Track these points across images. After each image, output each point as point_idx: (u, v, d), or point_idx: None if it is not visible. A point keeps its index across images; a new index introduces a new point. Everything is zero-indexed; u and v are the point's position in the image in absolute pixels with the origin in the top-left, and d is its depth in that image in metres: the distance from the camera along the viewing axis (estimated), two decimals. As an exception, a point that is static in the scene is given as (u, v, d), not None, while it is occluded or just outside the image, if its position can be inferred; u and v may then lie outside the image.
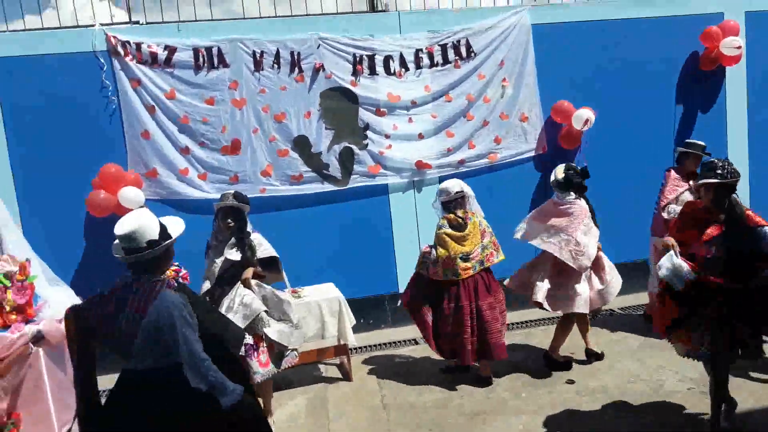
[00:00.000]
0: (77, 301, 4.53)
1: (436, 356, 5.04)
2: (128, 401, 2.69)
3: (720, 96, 6.85)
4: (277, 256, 4.46)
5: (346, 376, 5.21)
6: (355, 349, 5.76)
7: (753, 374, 4.55)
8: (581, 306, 4.81)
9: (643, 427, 4.02)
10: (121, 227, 2.72)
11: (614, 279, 4.97)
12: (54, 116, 5.55)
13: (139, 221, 2.74)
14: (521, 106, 6.52)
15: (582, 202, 4.87)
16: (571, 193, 4.86)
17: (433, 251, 4.80)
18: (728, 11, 6.71)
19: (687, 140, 5.76)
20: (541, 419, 4.23)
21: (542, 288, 4.87)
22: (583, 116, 6.18)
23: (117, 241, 2.77)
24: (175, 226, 2.89)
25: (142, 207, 5.35)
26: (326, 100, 6.11)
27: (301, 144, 6.08)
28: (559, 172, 4.90)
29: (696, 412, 4.09)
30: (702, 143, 5.55)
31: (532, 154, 6.61)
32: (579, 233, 4.74)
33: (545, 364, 5.09)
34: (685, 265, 3.46)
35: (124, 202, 5.33)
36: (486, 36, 6.37)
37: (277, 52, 5.95)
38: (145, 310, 2.63)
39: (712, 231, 3.46)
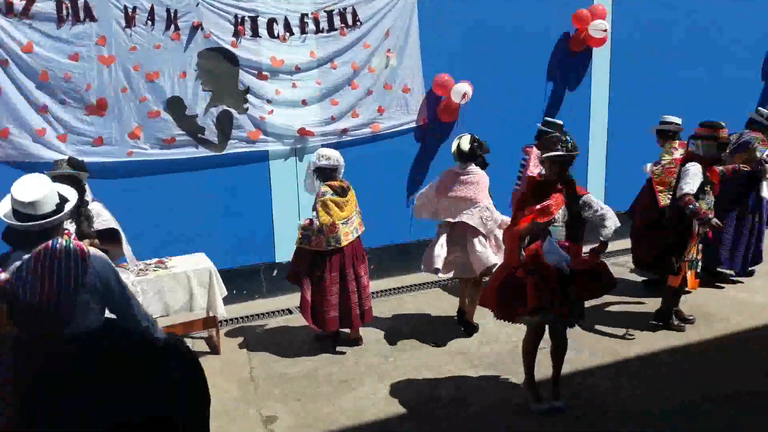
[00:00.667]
0: None
1: (309, 325, 5.06)
2: (65, 369, 2.65)
3: (586, 75, 7.27)
4: (118, 228, 4.17)
5: (215, 350, 5.11)
6: (227, 320, 5.67)
7: (599, 327, 5.01)
8: (480, 266, 4.98)
9: (498, 386, 4.30)
10: (29, 193, 2.60)
11: None
12: None
13: (47, 186, 2.68)
14: (404, 78, 6.59)
15: (483, 172, 5.11)
16: (472, 163, 5.06)
17: (315, 220, 4.78)
18: (597, -5, 7.09)
19: (546, 118, 6.06)
20: (405, 383, 4.42)
21: (441, 256, 5.04)
22: (461, 90, 6.34)
23: (10, 208, 2.63)
24: (66, 189, 2.83)
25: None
26: (204, 61, 5.85)
27: (175, 105, 5.80)
28: (464, 143, 5.04)
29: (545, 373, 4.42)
30: (560, 122, 5.87)
31: (414, 125, 6.72)
32: (487, 200, 5.01)
33: (464, 328, 5.25)
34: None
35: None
36: (372, 5, 6.34)
37: (152, 8, 5.59)
38: (86, 270, 2.61)
39: (557, 202, 3.71)
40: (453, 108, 6.54)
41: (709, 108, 7.49)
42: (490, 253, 4.97)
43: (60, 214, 2.66)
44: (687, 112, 7.24)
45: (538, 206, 3.68)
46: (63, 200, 2.74)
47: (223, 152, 6.01)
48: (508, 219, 5.16)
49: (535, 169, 5.74)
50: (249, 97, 6.06)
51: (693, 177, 4.68)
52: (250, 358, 4.99)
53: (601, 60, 7.26)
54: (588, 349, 4.76)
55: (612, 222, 3.82)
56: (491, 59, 6.77)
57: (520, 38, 6.86)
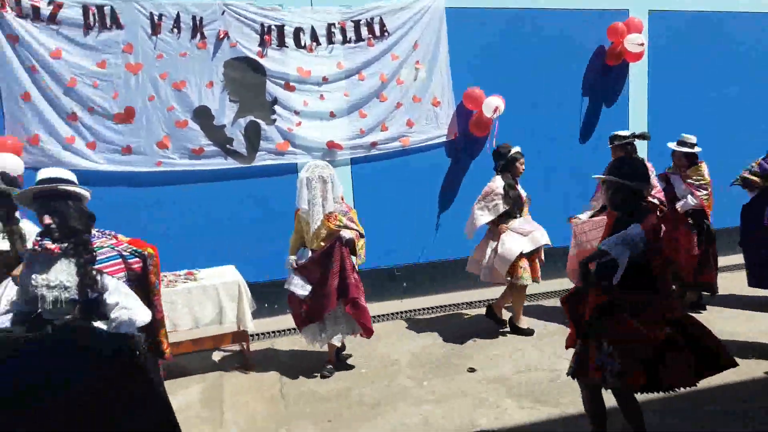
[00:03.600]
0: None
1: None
2: None
3: (623, 90, 7.09)
4: None
5: (245, 364, 4.98)
6: (257, 335, 5.54)
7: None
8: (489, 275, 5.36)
9: (541, 417, 4.07)
10: None
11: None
12: None
13: None
14: (434, 90, 6.46)
15: (493, 181, 5.31)
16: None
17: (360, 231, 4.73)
18: (633, 9, 6.92)
19: (614, 133, 5.68)
20: (441, 409, 4.21)
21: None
22: (492, 104, 6.20)
23: None
24: None
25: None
26: (231, 70, 5.77)
27: (203, 115, 5.71)
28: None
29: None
30: (626, 132, 5.68)
31: (444, 139, 6.57)
32: (475, 205, 5.33)
33: (510, 330, 5.50)
34: None
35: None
36: (399, 16, 6.23)
37: (178, 15, 5.54)
38: None
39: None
40: (484, 122, 6.38)
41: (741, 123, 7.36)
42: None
43: None
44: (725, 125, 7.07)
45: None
46: None
47: (252, 164, 5.89)
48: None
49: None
50: (276, 108, 5.95)
51: None
52: (280, 375, 4.83)
53: (638, 74, 7.09)
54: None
55: None
56: (524, 73, 6.64)
57: (555, 52, 6.72)
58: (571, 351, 3.49)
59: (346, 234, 4.56)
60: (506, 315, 5.62)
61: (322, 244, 4.58)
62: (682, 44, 7.20)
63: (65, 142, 5.29)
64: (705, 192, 5.56)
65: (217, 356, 5.28)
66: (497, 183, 5.28)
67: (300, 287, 4.62)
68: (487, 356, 5.05)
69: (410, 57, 6.34)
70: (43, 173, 2.93)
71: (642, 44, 6.59)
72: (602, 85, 6.99)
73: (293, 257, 4.71)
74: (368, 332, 4.75)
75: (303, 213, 4.57)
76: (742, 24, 7.42)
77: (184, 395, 4.52)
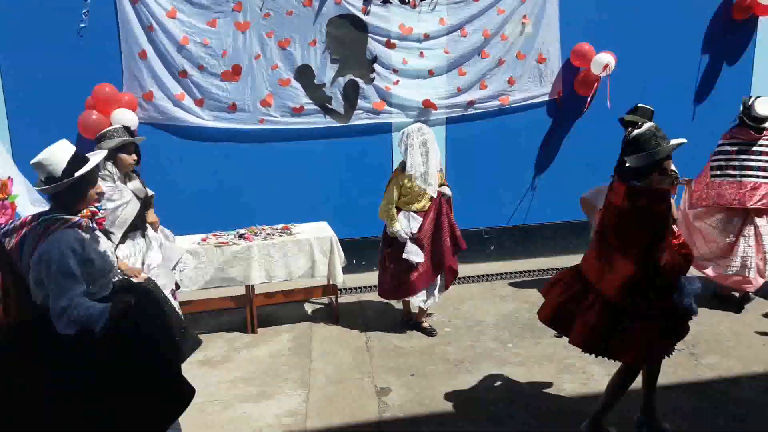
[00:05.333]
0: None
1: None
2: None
3: (749, 47, 6.44)
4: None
5: (333, 317, 5.19)
6: (345, 290, 5.74)
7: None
8: None
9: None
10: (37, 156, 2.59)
11: None
12: (47, 30, 5.32)
13: (49, 152, 2.60)
14: (540, 46, 6.22)
15: None
16: None
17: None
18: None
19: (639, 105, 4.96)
20: (524, 371, 4.20)
21: None
22: (602, 61, 5.88)
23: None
24: (86, 164, 2.66)
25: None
26: (334, 28, 5.83)
27: (305, 74, 5.85)
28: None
29: (687, 375, 4.04)
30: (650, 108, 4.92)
31: (547, 98, 6.33)
32: None
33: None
34: None
35: (117, 125, 5.16)
36: (509, -32, 6.00)
37: (286, -27, 5.66)
38: (35, 247, 2.52)
39: None
40: (591, 80, 6.07)
41: None
42: None
43: (49, 185, 2.59)
44: None
45: None
46: (67, 174, 2.59)
47: (349, 123, 6.00)
48: None
49: None
50: (376, 66, 5.97)
51: None
52: (366, 329, 5.00)
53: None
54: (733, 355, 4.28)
55: None
56: (638, 28, 6.21)
57: (673, 5, 6.20)
58: None
59: (448, 191, 4.77)
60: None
61: (427, 203, 4.71)
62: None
63: (176, 98, 5.62)
64: None
65: (307, 308, 5.53)
66: None
67: (416, 254, 4.65)
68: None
69: (517, 11, 6.11)
70: (68, 148, 2.66)
71: (778, -5, 5.93)
72: (725, 42, 6.40)
73: (400, 226, 4.66)
74: (453, 275, 4.91)
75: (418, 178, 4.54)
76: None
77: (275, 343, 4.80)
